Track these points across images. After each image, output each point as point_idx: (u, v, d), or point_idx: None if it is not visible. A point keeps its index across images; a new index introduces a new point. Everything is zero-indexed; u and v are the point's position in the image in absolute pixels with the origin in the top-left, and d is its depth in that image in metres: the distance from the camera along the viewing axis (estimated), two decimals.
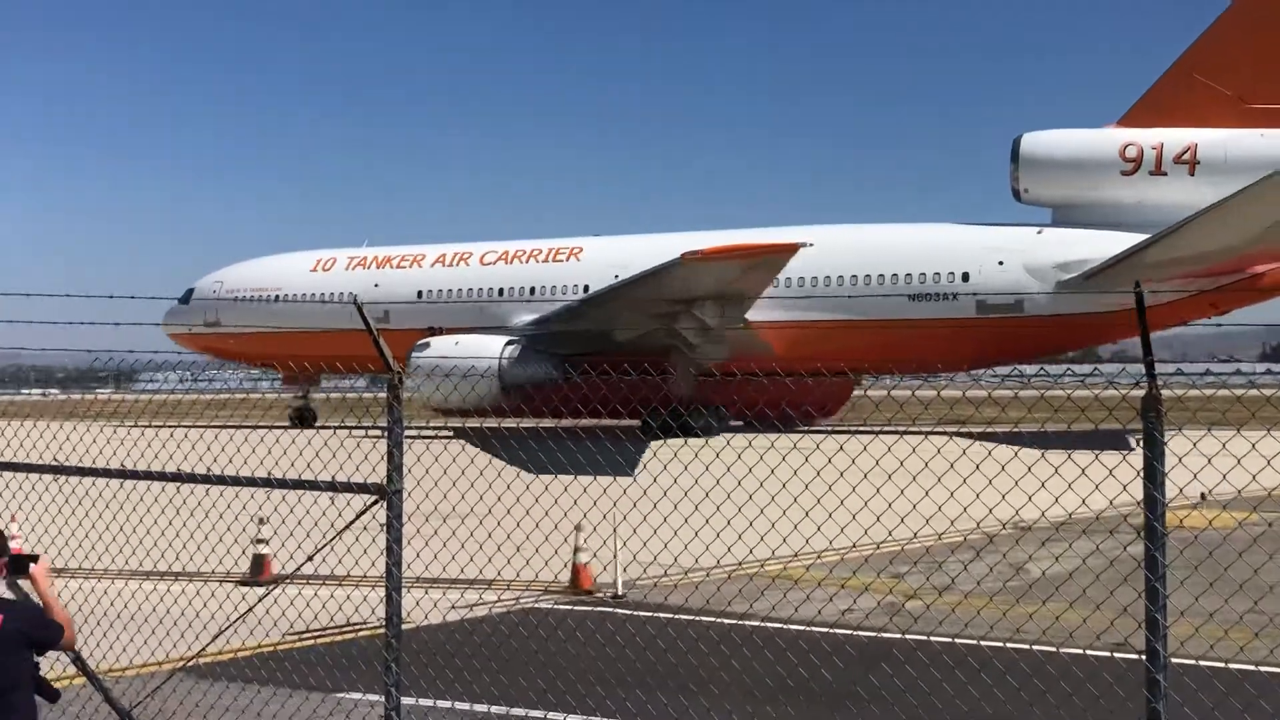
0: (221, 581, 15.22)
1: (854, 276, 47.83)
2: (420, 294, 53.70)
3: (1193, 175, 44.14)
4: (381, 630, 7.70)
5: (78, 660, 8.85)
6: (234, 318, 56.70)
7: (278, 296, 57.16)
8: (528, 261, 54.01)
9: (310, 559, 8.72)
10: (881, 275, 47.47)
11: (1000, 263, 45.96)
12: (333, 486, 7.93)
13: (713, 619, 13.30)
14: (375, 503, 7.52)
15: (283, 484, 8.22)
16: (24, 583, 7.44)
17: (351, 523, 7.91)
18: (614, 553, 16.33)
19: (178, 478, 8.82)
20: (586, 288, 49.22)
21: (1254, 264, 42.67)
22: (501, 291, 52.57)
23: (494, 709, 10.66)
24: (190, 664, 10.44)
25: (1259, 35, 43.69)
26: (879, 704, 10.08)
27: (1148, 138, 45.04)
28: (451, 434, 27.58)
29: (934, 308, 46.42)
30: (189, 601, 12.12)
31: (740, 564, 14.16)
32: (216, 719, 10.23)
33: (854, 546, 14.82)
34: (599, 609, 15.26)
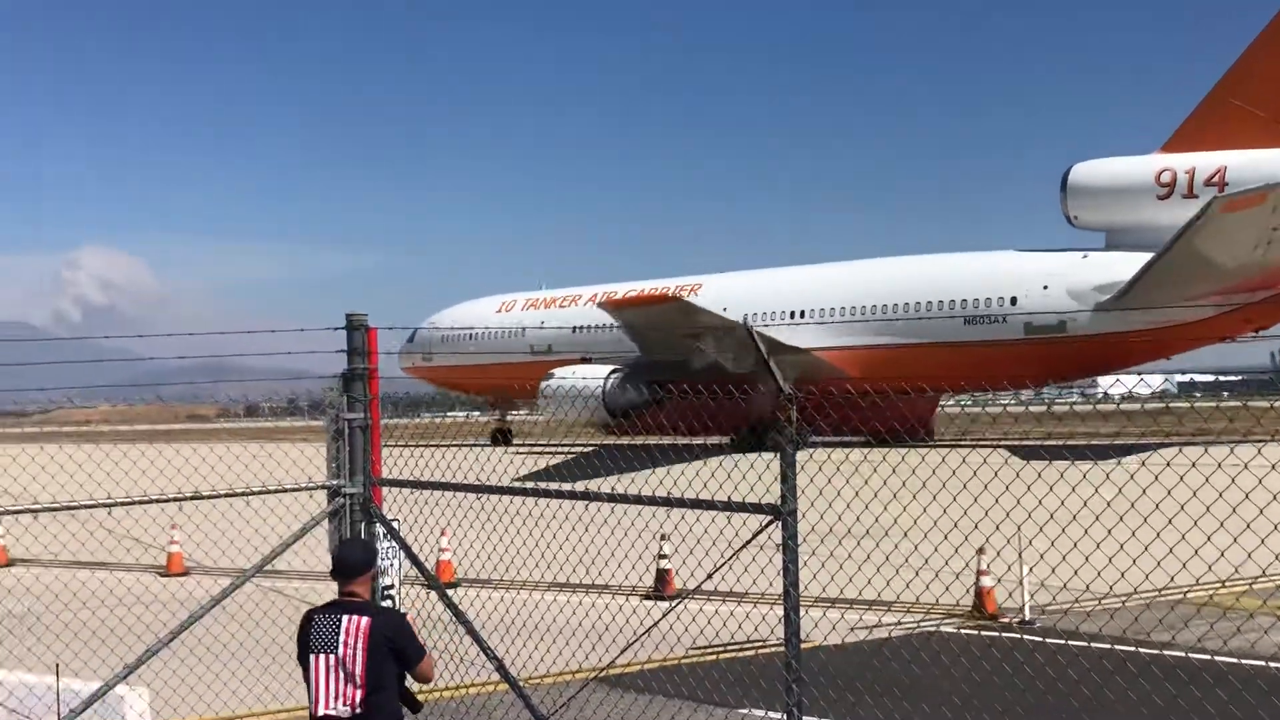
0: (628, 596, 15.79)
1: (917, 303, 51.69)
2: (574, 329, 61.71)
3: None
4: (780, 648, 7.72)
5: (500, 668, 9.41)
6: (442, 352, 68.70)
7: (471, 334, 67.41)
8: None
9: (710, 576, 8.88)
10: (941, 301, 51.08)
11: (1045, 287, 48.74)
12: (729, 506, 8.04)
13: (1131, 649, 12.46)
14: (770, 523, 7.57)
15: (681, 503, 8.41)
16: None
17: (747, 543, 7.99)
18: (1020, 577, 15.70)
19: (585, 496, 9.19)
20: None
21: None
22: None
23: None
24: (601, 675, 10.88)
25: None
26: None
27: (1181, 162, 46.41)
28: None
29: (985, 330, 49.62)
30: (599, 615, 12.66)
31: (1160, 591, 13.22)
32: None
33: None
34: (1005, 635, 14.68)
